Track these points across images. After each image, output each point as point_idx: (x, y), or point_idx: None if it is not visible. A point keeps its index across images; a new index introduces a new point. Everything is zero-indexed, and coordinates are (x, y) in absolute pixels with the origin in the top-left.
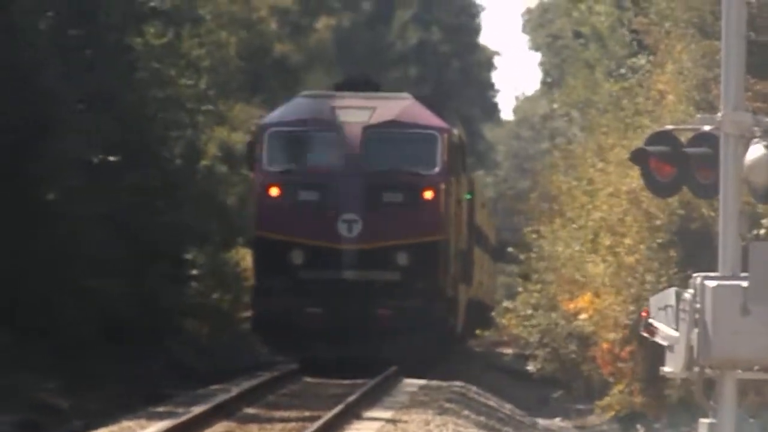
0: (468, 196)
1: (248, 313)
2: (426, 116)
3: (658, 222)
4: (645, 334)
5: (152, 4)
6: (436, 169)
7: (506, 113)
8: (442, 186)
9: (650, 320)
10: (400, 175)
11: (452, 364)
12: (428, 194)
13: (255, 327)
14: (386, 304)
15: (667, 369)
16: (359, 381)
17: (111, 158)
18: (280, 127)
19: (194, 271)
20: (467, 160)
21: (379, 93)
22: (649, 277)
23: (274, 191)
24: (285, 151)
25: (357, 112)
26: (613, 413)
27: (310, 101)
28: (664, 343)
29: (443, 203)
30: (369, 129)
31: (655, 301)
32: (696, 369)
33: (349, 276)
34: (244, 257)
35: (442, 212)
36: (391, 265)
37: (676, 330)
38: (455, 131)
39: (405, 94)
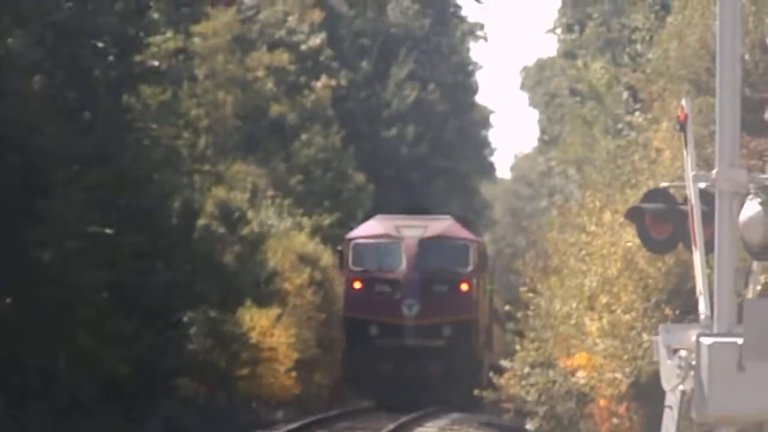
0: (489, 287)
1: (244, 371)
2: (462, 231)
3: (650, 281)
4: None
5: (148, 63)
6: (470, 269)
7: (503, 171)
8: (474, 280)
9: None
10: (445, 272)
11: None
12: (464, 286)
13: (345, 380)
14: (435, 363)
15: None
16: None
17: (108, 220)
18: (361, 240)
19: (191, 331)
20: (488, 262)
21: (429, 215)
22: (645, 336)
23: (357, 284)
24: (365, 256)
25: (414, 229)
26: None
27: (381, 221)
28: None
29: (474, 292)
30: (423, 241)
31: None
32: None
33: (410, 342)
34: (253, 317)
35: (473, 299)
36: (439, 335)
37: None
38: (481, 241)
39: (447, 216)
